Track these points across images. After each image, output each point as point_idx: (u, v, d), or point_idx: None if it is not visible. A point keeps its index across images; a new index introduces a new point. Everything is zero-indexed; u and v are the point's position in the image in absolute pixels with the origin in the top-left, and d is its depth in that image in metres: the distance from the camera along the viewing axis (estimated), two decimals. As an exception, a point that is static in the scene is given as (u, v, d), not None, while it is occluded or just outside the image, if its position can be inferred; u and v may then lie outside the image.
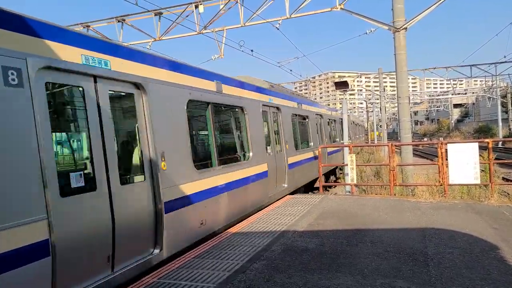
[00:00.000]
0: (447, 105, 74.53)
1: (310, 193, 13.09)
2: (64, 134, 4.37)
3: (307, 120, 13.47)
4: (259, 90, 9.49)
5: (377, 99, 39.72)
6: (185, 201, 5.72)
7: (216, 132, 7.21)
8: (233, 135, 8.22)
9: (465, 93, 58.14)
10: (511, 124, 48.82)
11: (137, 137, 5.06)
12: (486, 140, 9.47)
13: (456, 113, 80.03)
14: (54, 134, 3.95)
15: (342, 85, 12.79)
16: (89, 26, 16.74)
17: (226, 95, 7.56)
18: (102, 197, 4.30)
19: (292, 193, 10.79)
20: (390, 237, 5.81)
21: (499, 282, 4.03)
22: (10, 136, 3.40)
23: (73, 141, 4.37)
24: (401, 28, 11.97)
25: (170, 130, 5.60)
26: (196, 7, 15.07)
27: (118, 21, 16.17)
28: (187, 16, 15.49)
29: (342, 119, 13.99)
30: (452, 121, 77.44)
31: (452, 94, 52.04)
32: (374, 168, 15.53)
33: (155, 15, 15.82)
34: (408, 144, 12.73)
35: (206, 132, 7.02)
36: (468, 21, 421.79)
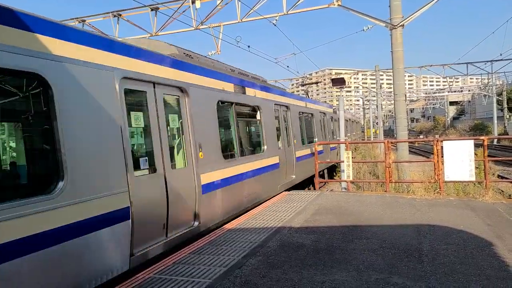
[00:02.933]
0: (443, 102, 74.76)
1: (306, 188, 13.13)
2: (269, 129, 9.63)
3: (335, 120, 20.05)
4: (317, 103, 16.46)
5: (374, 96, 39.76)
6: (302, 157, 12.11)
7: (304, 127, 13.36)
8: (309, 129, 14.24)
9: (461, 91, 58.40)
10: (507, 122, 49.09)
11: (289, 129, 11.35)
12: (482, 137, 9.51)
13: (452, 111, 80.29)
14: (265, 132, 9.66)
15: (338, 82, 12.80)
16: (84, 21, 16.60)
17: (307, 108, 13.96)
18: (281, 152, 10.38)
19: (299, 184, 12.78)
20: (385, 234, 5.84)
21: (493, 278, 4.06)
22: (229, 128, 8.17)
23: (280, 131, 10.55)
24: (398, 25, 11.98)
25: (297, 126, 12.13)
26: (193, 2, 14.98)
27: (114, 16, 16.04)
28: (184, 11, 15.39)
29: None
30: (448, 119, 77.71)
31: (448, 92, 52.21)
32: (370, 165, 15.58)
33: (152, 10, 15.71)
34: (404, 141, 12.78)
35: (301, 127, 12.82)
36: (465, 19, 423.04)
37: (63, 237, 3.81)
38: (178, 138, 6.13)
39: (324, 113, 16.74)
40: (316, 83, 20.49)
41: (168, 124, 5.84)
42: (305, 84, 17.81)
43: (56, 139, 3.87)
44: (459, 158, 8.76)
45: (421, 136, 60.31)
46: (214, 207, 6.72)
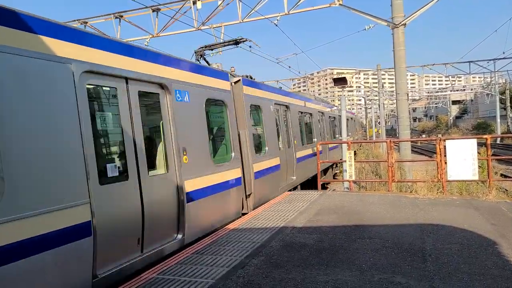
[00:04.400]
0: (446, 101, 74.54)
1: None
2: (316, 128, 15.11)
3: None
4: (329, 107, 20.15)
5: (376, 95, 39.70)
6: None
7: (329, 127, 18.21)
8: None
9: (464, 90, 58.25)
10: (510, 120, 48.89)
11: (323, 128, 16.46)
12: (485, 136, 9.47)
13: (454, 110, 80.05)
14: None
15: (340, 81, 12.77)
16: (86, 22, 16.66)
17: (331, 115, 18.94)
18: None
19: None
20: (388, 233, 5.82)
21: (497, 278, 4.04)
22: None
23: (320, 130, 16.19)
24: (400, 24, 11.95)
25: (327, 126, 17.61)
26: (194, 3, 15.01)
27: (116, 18, 16.10)
28: (185, 12, 15.45)
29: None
30: (451, 118, 77.49)
31: (451, 91, 52.09)
32: (372, 164, 15.55)
33: (153, 11, 15.75)
34: (407, 141, 12.75)
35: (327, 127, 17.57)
36: (467, 17, 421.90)
37: (267, 172, 9.01)
38: (286, 133, 11.14)
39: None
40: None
41: (277, 125, 10.51)
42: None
43: (264, 134, 9.23)
44: (462, 157, 8.72)
45: (423, 136, 60.12)
46: (300, 172, 11.82)
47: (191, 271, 4.60)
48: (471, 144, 8.73)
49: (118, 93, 4.83)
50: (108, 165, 4.53)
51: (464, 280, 4.00)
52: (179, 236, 5.60)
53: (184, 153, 5.57)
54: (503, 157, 11.63)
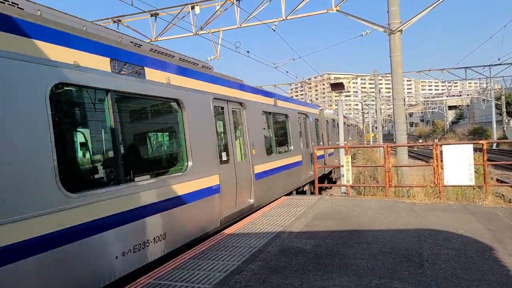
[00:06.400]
0: (442, 107, 74.90)
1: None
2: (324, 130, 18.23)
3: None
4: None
5: (373, 100, 39.86)
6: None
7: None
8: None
9: (460, 95, 58.42)
10: (505, 126, 49.16)
11: (326, 131, 17.83)
12: (481, 141, 9.51)
13: (451, 115, 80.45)
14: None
15: (338, 86, 12.84)
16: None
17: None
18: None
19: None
20: (385, 238, 5.83)
21: (494, 283, 4.05)
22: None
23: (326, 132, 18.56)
24: (396, 30, 12.02)
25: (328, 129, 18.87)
26: (192, 8, 15.05)
27: (114, 22, 16.11)
28: (183, 17, 15.47)
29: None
30: (447, 123, 77.84)
31: (447, 96, 52.32)
32: (369, 169, 15.57)
33: (151, 16, 15.78)
34: (404, 146, 12.78)
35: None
36: (463, 24, 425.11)
37: (292, 166, 11.42)
38: (305, 136, 13.11)
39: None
40: None
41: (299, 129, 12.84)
42: None
43: (290, 137, 11.56)
44: (458, 162, 8.75)
45: (420, 141, 60.33)
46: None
47: (188, 277, 4.58)
48: (467, 149, 8.77)
49: (224, 110, 7.86)
50: (223, 153, 7.47)
51: (461, 286, 4.01)
52: (251, 201, 8.45)
53: (253, 147, 8.81)
54: (499, 162, 11.49)
